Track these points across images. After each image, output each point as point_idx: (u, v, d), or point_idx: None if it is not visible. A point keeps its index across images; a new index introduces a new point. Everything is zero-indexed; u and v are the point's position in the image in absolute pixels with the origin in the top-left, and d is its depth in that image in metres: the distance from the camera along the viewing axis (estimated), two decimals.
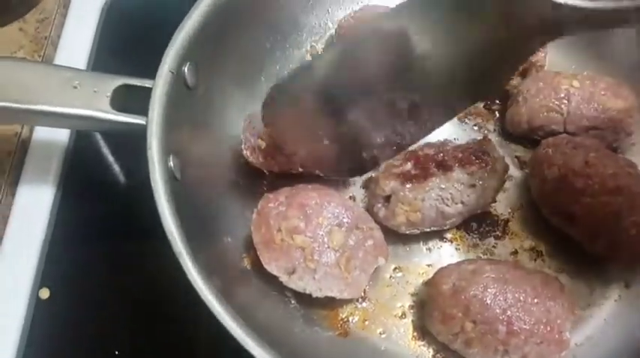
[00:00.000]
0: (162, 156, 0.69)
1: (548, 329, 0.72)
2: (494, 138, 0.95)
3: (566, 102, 0.88)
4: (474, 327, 0.72)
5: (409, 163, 0.82)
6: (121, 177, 0.96)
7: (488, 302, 0.72)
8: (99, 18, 1.08)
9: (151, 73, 0.73)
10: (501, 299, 0.72)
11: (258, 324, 0.66)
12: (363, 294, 0.81)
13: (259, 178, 0.88)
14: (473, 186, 0.82)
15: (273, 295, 0.79)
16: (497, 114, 0.98)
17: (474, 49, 0.68)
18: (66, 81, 0.73)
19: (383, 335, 0.80)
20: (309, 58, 1.00)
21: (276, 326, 0.76)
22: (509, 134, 0.95)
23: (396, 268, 0.85)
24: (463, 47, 0.69)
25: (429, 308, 0.77)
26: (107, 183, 0.95)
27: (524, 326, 0.71)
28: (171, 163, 0.71)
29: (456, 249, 0.87)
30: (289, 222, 0.75)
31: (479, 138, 0.89)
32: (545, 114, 0.89)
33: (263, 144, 0.82)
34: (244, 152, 0.83)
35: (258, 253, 0.75)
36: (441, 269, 0.79)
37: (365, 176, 0.90)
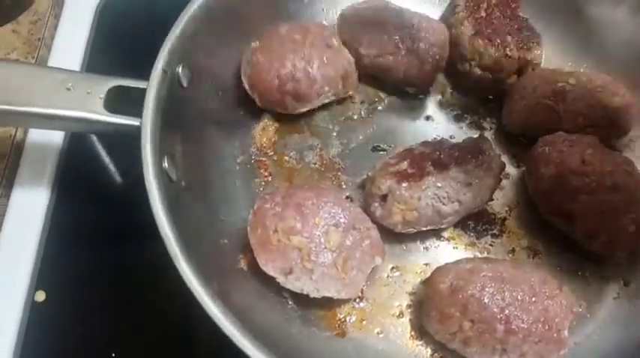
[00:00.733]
0: (156, 157, 0.69)
1: (547, 327, 0.71)
2: (490, 136, 0.95)
3: (562, 99, 0.88)
4: (471, 326, 0.72)
5: (405, 162, 0.82)
6: (116, 179, 0.96)
7: (486, 301, 0.72)
8: (92, 19, 1.07)
9: (146, 73, 0.73)
10: (499, 298, 0.72)
11: (256, 325, 0.66)
12: (360, 294, 0.80)
13: (256, 178, 0.87)
14: (469, 184, 0.81)
15: (270, 296, 0.78)
16: (494, 112, 0.97)
17: None
18: (59, 83, 0.72)
19: (380, 335, 0.80)
20: None
21: (274, 327, 0.75)
22: (505, 132, 0.95)
23: (393, 267, 0.84)
24: None
25: (427, 307, 0.77)
26: (102, 185, 0.95)
27: (522, 325, 0.71)
28: (165, 164, 0.70)
29: (454, 247, 0.86)
30: (286, 223, 0.75)
31: (475, 136, 0.89)
32: (542, 111, 0.89)
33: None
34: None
35: (254, 254, 0.75)
36: (439, 268, 0.79)
37: (360, 177, 0.90)
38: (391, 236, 0.83)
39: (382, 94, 0.98)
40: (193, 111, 0.80)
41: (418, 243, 0.86)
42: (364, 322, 0.80)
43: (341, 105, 0.97)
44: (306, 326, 0.78)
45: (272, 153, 0.91)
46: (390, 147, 0.93)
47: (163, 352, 0.82)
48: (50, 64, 1.02)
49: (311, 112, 0.93)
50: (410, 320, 0.81)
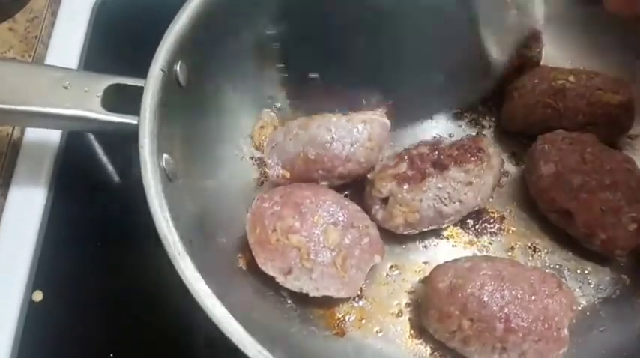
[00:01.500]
0: (154, 155, 0.68)
1: (546, 326, 0.71)
2: (489, 134, 0.95)
3: (561, 97, 0.87)
4: (471, 325, 0.72)
5: (404, 163, 0.82)
6: (114, 178, 0.95)
7: (485, 299, 0.72)
8: (89, 17, 1.06)
9: (144, 71, 0.72)
10: (498, 296, 0.72)
11: (254, 325, 0.65)
12: (359, 293, 0.80)
13: (254, 177, 0.87)
14: (470, 183, 0.81)
15: (269, 295, 0.78)
16: (493, 110, 0.97)
17: None
18: (56, 81, 0.72)
19: (380, 334, 0.79)
20: None
21: (273, 326, 0.75)
22: (505, 130, 0.95)
23: (392, 266, 0.84)
24: None
25: (426, 306, 0.77)
26: (100, 184, 0.94)
27: (522, 324, 0.71)
28: (163, 163, 0.70)
29: (453, 246, 0.86)
30: (284, 222, 0.74)
31: (474, 134, 0.88)
32: (541, 109, 0.89)
33: (287, 174, 0.86)
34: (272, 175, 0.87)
35: (253, 254, 0.75)
36: (438, 266, 0.79)
37: None
38: (390, 235, 0.83)
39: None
40: (191, 109, 0.80)
41: (417, 241, 0.86)
42: (363, 321, 0.80)
43: None
44: (305, 325, 0.78)
45: None
46: (389, 145, 0.93)
47: (162, 352, 0.81)
48: (48, 62, 1.01)
49: (310, 111, 0.92)
50: (409, 318, 0.80)
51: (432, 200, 0.80)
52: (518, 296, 0.72)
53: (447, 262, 0.79)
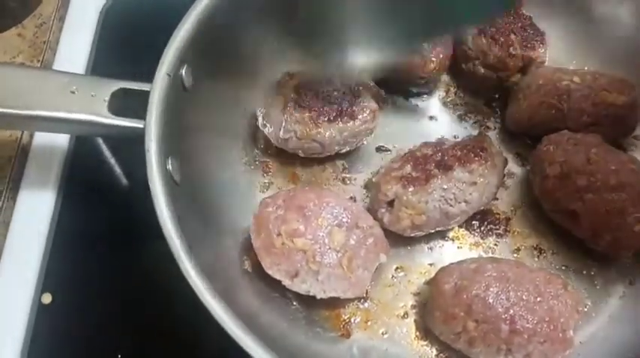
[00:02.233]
0: (160, 159, 0.69)
1: (552, 327, 0.71)
2: (494, 135, 0.95)
3: (566, 98, 0.87)
4: (476, 326, 0.72)
5: (408, 165, 0.82)
6: (122, 180, 0.96)
7: (491, 301, 0.72)
8: (96, 22, 1.07)
9: (150, 76, 0.73)
10: (504, 298, 0.72)
11: (260, 326, 0.66)
12: (365, 295, 0.80)
13: (259, 179, 0.88)
14: (474, 183, 0.81)
15: (275, 297, 0.79)
16: (498, 111, 0.97)
17: None
18: (63, 86, 0.73)
19: (385, 336, 0.80)
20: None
21: (278, 328, 0.75)
22: (509, 131, 0.95)
23: (397, 268, 0.84)
24: None
25: (431, 307, 0.77)
26: (108, 187, 0.95)
27: (527, 325, 0.71)
28: (169, 166, 0.71)
29: (458, 247, 0.86)
30: (289, 226, 0.75)
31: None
32: (546, 110, 0.89)
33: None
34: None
35: (259, 258, 0.75)
36: (443, 268, 0.79)
37: (365, 177, 0.90)
38: (396, 236, 0.83)
39: (386, 94, 0.98)
40: (197, 113, 0.80)
41: (422, 243, 0.86)
42: (369, 322, 0.80)
43: None
44: (311, 327, 0.78)
45: (275, 154, 0.91)
46: (394, 147, 0.93)
47: (169, 354, 0.82)
48: (55, 67, 1.02)
49: None
50: (414, 320, 0.81)
51: (438, 201, 0.80)
52: (524, 297, 0.72)
53: (452, 264, 0.79)
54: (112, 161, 0.97)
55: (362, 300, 0.81)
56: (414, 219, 0.81)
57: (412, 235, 0.83)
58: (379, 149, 0.93)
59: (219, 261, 0.77)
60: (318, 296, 0.75)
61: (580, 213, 0.80)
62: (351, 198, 0.89)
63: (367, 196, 0.88)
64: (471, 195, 0.81)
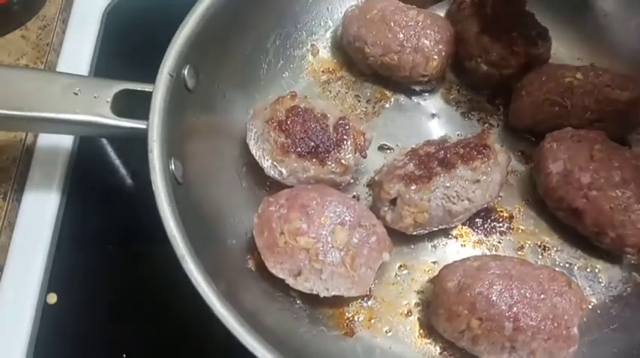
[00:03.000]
0: (163, 159, 0.69)
1: (556, 325, 0.71)
2: (497, 132, 0.95)
3: (569, 95, 0.87)
4: (480, 324, 0.72)
5: (411, 164, 0.82)
6: (126, 181, 0.97)
7: (494, 298, 0.71)
8: (99, 24, 1.08)
9: (153, 76, 0.73)
10: (507, 295, 0.72)
11: (264, 325, 0.66)
12: (368, 293, 0.80)
13: (262, 179, 0.88)
14: (477, 181, 0.81)
15: (279, 295, 0.79)
16: (501, 109, 0.97)
17: None
18: (66, 87, 0.73)
19: (389, 334, 0.80)
20: (310, 58, 1.00)
21: (282, 327, 0.76)
22: (513, 128, 0.95)
23: (401, 266, 0.84)
24: None
25: (435, 305, 0.77)
26: (112, 187, 0.96)
27: (531, 323, 0.71)
28: (172, 166, 0.71)
29: (462, 245, 0.86)
30: (291, 224, 0.75)
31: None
32: (549, 107, 0.88)
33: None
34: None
35: (262, 258, 0.75)
36: (446, 266, 0.79)
37: (368, 175, 0.90)
38: (399, 235, 0.83)
39: (388, 93, 0.98)
40: (199, 113, 0.81)
41: (426, 241, 0.86)
42: (372, 321, 0.80)
43: (347, 104, 0.97)
44: (315, 326, 0.78)
45: None
46: (397, 145, 0.93)
47: (173, 353, 0.82)
48: (59, 68, 1.03)
49: None
50: (418, 318, 0.81)
51: (441, 199, 0.80)
52: (527, 295, 0.72)
53: (455, 262, 0.79)
54: (116, 162, 0.97)
55: (365, 299, 0.81)
56: (417, 217, 0.80)
57: (415, 233, 0.83)
58: (382, 147, 0.93)
59: (222, 261, 0.77)
60: (322, 295, 0.75)
61: (584, 210, 0.80)
62: (354, 196, 0.89)
63: (370, 195, 0.89)
64: (474, 193, 0.81)
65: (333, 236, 0.76)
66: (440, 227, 0.83)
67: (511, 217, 0.88)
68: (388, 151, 0.93)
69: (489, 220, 0.88)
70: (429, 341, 0.79)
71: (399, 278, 0.84)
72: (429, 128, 0.96)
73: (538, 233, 0.87)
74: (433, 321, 0.77)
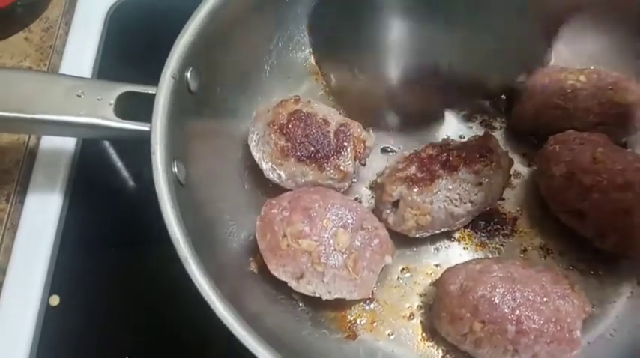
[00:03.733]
0: (166, 161, 0.69)
1: (558, 328, 0.71)
2: (500, 135, 0.95)
3: (572, 97, 0.87)
4: (482, 327, 0.72)
5: (413, 166, 0.82)
6: (129, 183, 0.97)
7: (497, 301, 0.71)
8: (102, 26, 1.08)
9: (156, 79, 0.73)
10: (510, 298, 0.72)
11: (266, 328, 0.66)
12: (371, 296, 0.80)
13: (264, 181, 0.88)
14: (480, 184, 0.81)
15: (281, 298, 0.79)
16: (504, 111, 0.97)
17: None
18: (69, 89, 0.73)
19: (391, 337, 0.80)
20: (312, 60, 1.00)
21: (284, 329, 0.76)
22: (515, 131, 0.94)
23: (403, 269, 0.84)
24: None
25: (437, 308, 0.77)
26: (115, 189, 0.96)
27: (534, 326, 0.70)
28: (175, 169, 0.71)
29: (464, 248, 0.86)
30: (294, 227, 0.75)
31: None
32: (552, 110, 0.88)
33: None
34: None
35: (265, 260, 0.75)
36: (449, 269, 0.79)
37: (370, 178, 0.90)
38: (401, 237, 0.83)
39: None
40: (202, 115, 0.81)
41: (428, 244, 0.86)
42: (375, 324, 0.80)
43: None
44: (317, 328, 0.78)
45: None
46: (399, 148, 0.93)
47: (176, 355, 0.82)
48: (62, 70, 1.03)
49: None
50: (421, 321, 0.81)
51: (443, 201, 0.80)
52: (530, 297, 0.72)
53: (458, 264, 0.79)
54: (119, 164, 0.97)
55: (368, 301, 0.81)
56: (419, 219, 0.80)
57: (417, 236, 0.83)
58: (384, 150, 0.93)
59: (225, 263, 0.77)
60: (324, 298, 0.75)
61: (586, 213, 0.80)
62: (356, 199, 0.89)
63: (372, 197, 0.89)
64: (477, 196, 0.81)
65: (335, 239, 0.76)
66: (442, 229, 0.83)
67: (514, 220, 0.88)
68: (391, 154, 0.93)
69: (492, 223, 0.88)
70: (431, 344, 0.79)
71: (401, 281, 0.84)
72: (432, 131, 0.95)
73: (541, 235, 0.87)
74: (436, 324, 0.77)
